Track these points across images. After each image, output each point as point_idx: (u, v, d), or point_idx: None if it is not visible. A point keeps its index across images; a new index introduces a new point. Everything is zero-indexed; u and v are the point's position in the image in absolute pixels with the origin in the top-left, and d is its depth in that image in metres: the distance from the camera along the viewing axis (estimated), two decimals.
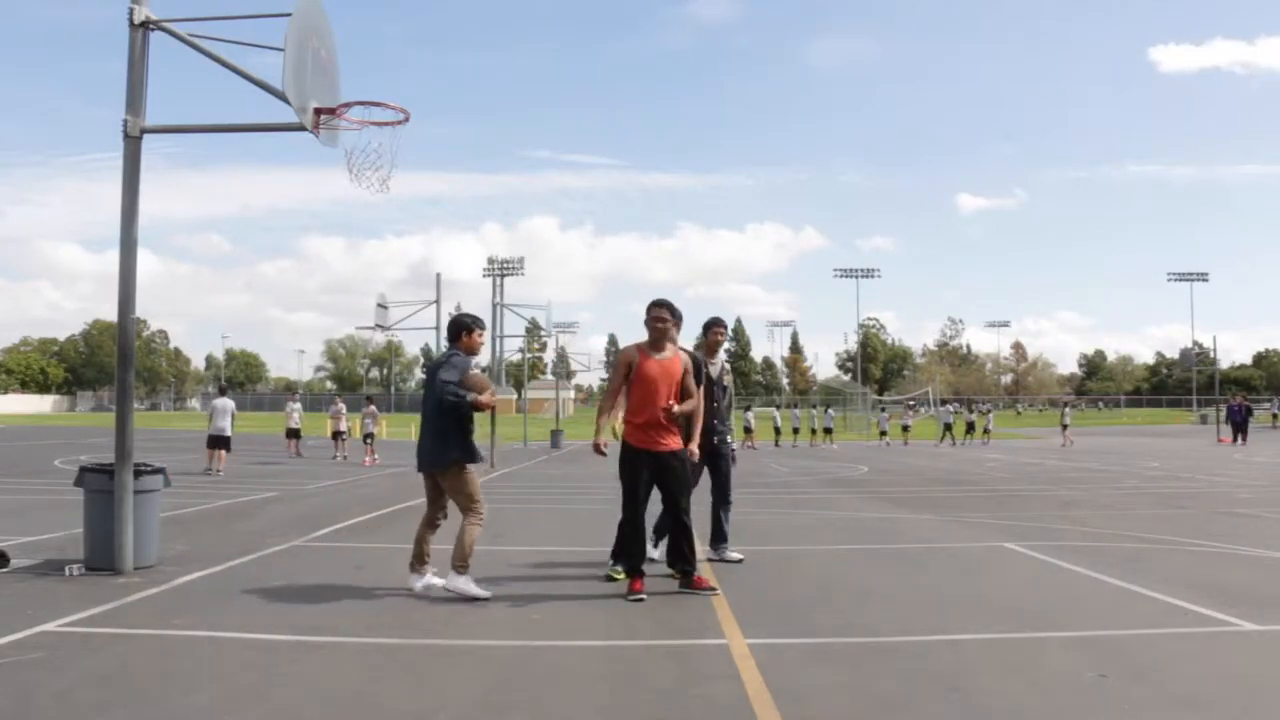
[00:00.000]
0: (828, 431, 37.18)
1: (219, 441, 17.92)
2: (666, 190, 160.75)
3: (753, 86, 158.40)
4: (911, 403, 54.67)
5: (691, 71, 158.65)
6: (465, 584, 6.15)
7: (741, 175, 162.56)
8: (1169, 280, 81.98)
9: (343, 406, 25.38)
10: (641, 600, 5.97)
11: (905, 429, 39.21)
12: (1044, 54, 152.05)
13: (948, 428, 37.26)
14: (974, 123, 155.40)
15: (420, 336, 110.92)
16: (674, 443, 6.23)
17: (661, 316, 6.29)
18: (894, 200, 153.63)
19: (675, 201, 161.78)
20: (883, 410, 45.69)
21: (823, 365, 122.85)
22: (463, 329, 6.50)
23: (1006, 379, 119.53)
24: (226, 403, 18.54)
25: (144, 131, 7.02)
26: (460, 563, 6.18)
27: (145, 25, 6.92)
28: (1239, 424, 32.38)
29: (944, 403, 42.37)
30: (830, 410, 39.42)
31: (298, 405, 25.29)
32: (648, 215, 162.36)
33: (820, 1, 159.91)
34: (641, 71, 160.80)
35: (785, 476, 18.48)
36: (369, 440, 23.06)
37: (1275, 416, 51.91)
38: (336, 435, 24.26)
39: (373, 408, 24.46)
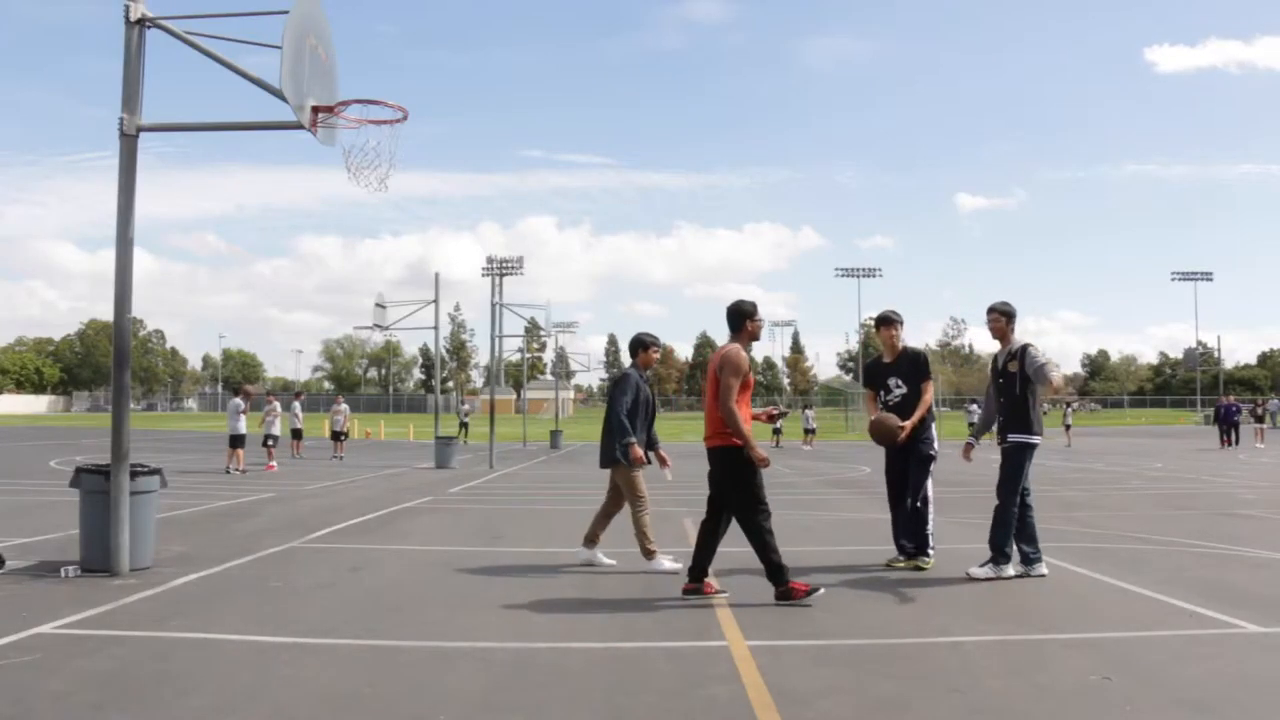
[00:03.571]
0: (809, 432, 36.97)
1: (232, 440, 18.48)
2: (662, 190, 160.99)
3: (748, 86, 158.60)
4: None
5: (686, 71, 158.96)
6: (657, 564, 7.07)
7: (738, 175, 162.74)
8: (1173, 280, 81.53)
9: (346, 408, 25.73)
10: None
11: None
12: (1041, 54, 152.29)
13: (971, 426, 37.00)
14: (971, 123, 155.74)
15: (419, 336, 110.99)
16: (713, 439, 6.11)
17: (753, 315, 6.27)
18: (892, 200, 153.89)
19: (672, 201, 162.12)
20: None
21: (824, 365, 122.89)
22: (639, 346, 7.46)
23: None
24: (234, 402, 19.07)
25: (140, 130, 6.98)
26: (645, 550, 7.17)
27: (141, 22, 6.89)
28: (1232, 424, 31.88)
29: (973, 402, 42.34)
30: (809, 411, 39.16)
31: (298, 406, 25.42)
32: (645, 215, 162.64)
33: (816, 1, 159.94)
34: (636, 71, 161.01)
35: (788, 477, 18.44)
36: (270, 443, 20.29)
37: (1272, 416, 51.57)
38: (336, 435, 24.59)
39: (275, 404, 21.67)
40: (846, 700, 4.06)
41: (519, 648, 4.94)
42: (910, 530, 7.35)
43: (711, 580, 6.25)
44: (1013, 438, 6.93)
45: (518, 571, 7.16)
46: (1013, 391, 6.94)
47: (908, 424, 7.18)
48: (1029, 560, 6.97)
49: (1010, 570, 6.82)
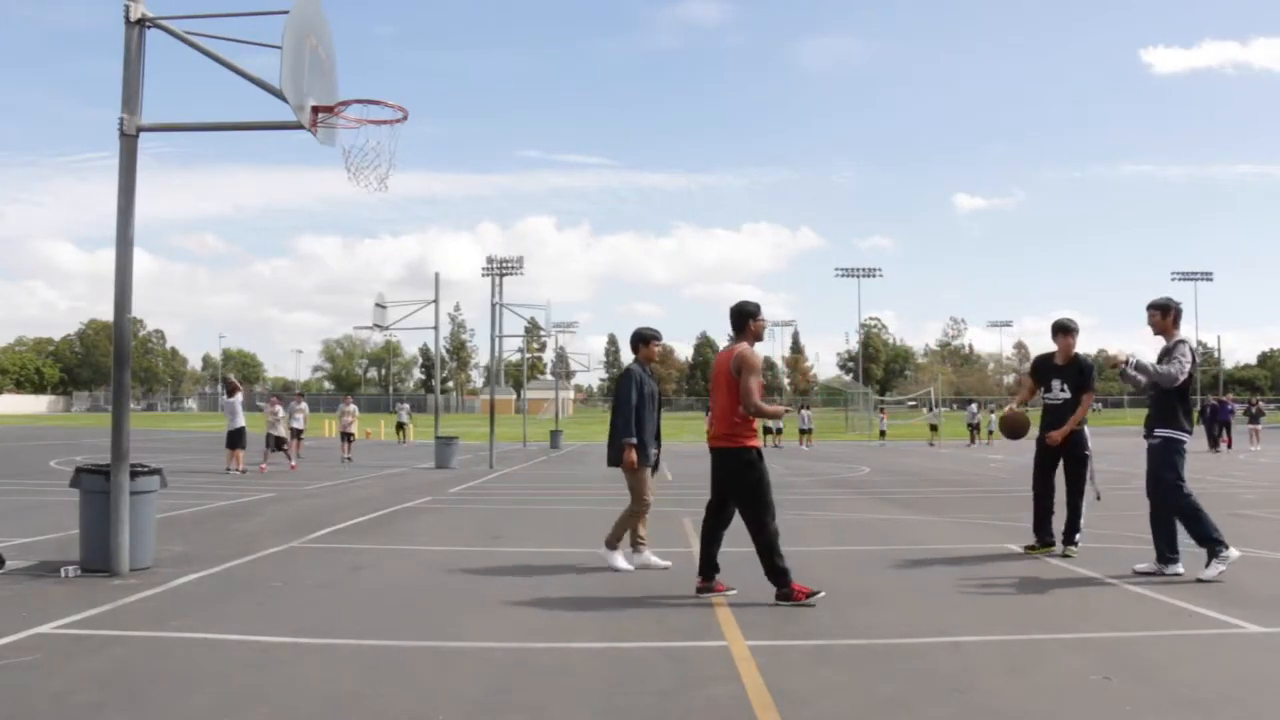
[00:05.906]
0: (805, 433, 37.02)
1: (230, 438, 18.26)
2: (661, 190, 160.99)
3: (745, 87, 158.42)
4: (913, 402, 54.64)
5: (684, 72, 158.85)
6: (613, 558, 7.12)
7: (736, 175, 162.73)
8: (1173, 280, 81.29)
9: (354, 408, 25.76)
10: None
11: (934, 428, 39.15)
12: (1039, 54, 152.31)
13: (973, 428, 37.28)
14: (970, 123, 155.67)
15: (419, 336, 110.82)
16: (722, 440, 6.04)
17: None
18: (890, 200, 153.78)
19: (670, 201, 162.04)
20: (879, 410, 45.65)
21: (824, 365, 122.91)
22: (640, 340, 7.41)
23: (1009, 379, 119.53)
24: (228, 401, 18.89)
25: (140, 130, 6.98)
26: (610, 541, 7.20)
27: (141, 22, 6.89)
28: (1223, 425, 31.11)
29: (972, 402, 42.51)
30: (806, 412, 39.26)
31: (304, 406, 25.42)
32: (644, 215, 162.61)
33: (813, 2, 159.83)
34: (634, 72, 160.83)
35: (785, 477, 18.43)
36: (270, 445, 19.06)
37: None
38: (345, 436, 24.72)
39: (277, 408, 20.09)
40: (846, 700, 4.06)
41: (519, 648, 4.94)
42: (1068, 521, 7.89)
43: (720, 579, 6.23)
44: (1160, 432, 6.84)
45: (518, 571, 7.16)
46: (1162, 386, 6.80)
47: (1060, 434, 7.79)
48: (1165, 560, 6.97)
49: (1232, 555, 6.68)
